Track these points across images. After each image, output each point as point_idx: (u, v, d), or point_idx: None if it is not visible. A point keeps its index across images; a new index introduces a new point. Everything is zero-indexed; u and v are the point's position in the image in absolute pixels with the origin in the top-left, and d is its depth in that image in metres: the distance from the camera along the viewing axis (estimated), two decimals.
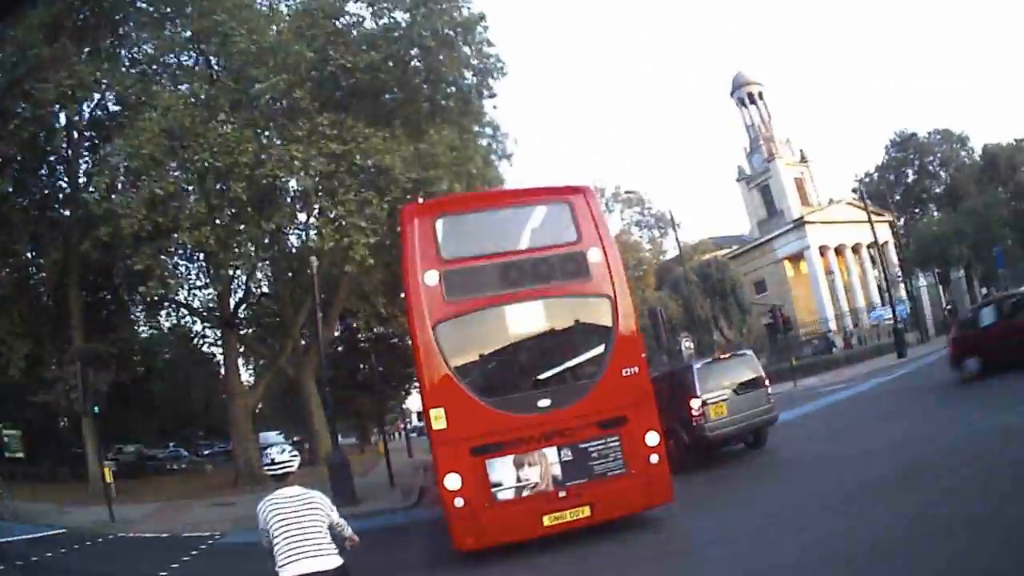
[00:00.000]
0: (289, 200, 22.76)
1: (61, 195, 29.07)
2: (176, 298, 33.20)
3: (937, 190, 77.65)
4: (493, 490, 10.09)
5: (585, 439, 10.30)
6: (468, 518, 9.88)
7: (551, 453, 10.29)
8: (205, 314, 34.49)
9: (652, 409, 10.85)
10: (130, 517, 20.14)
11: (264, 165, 20.16)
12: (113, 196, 21.15)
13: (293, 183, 21.84)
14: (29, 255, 29.01)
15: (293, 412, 42.25)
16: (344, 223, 20.41)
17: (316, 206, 22.49)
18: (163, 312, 36.86)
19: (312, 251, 21.87)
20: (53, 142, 25.96)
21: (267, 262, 29.19)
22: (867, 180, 75.16)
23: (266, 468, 5.56)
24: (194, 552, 14.29)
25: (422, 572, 11.13)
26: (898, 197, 73.61)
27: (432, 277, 10.40)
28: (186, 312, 36.38)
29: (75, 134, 27.59)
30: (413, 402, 60.81)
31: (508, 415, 10.23)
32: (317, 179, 20.94)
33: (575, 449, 10.28)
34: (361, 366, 44.62)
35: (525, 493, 10.21)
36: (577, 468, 10.22)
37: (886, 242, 62.39)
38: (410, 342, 12.40)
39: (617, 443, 10.45)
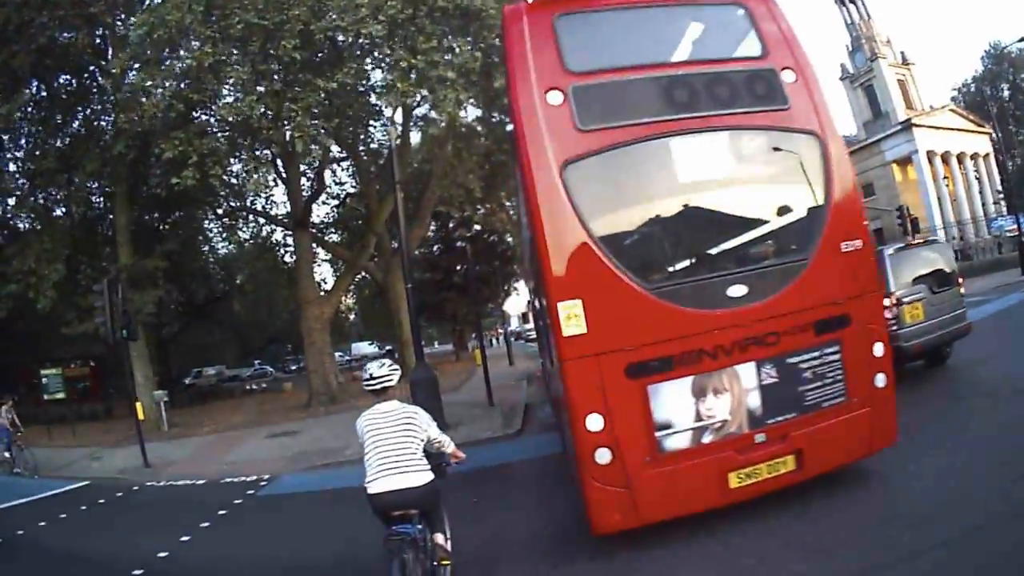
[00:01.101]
0: (356, 54, 18.06)
1: (94, 94, 24.99)
2: (241, 204, 30.38)
3: None
4: (658, 435, 6.17)
5: (794, 349, 6.38)
6: (616, 482, 6.06)
7: (747, 372, 6.29)
8: (282, 219, 31.04)
9: (879, 305, 7.37)
10: (170, 457, 17.06)
11: (322, 17, 16.06)
12: (133, 74, 17.46)
13: (359, 38, 17.15)
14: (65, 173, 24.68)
15: (385, 320, 38.95)
16: (426, 75, 16.07)
17: (388, 59, 17.46)
18: (234, 221, 33.89)
19: (379, 113, 17.86)
20: (78, 39, 21.41)
21: (336, 145, 25.16)
22: (964, 90, 70.71)
23: (363, 383, 5.42)
24: (222, 512, 10.81)
25: (540, 563, 6.60)
26: (995, 110, 65.68)
27: (555, 97, 6.40)
28: (262, 220, 33.39)
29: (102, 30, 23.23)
30: (513, 304, 57.91)
31: (684, 311, 6.20)
32: (389, 28, 16.38)
33: (781, 365, 6.35)
34: (457, 267, 41.63)
35: (707, 439, 6.27)
36: (782, 396, 6.35)
37: (987, 154, 61.64)
38: (520, 207, 8.62)
39: (837, 356, 6.51)
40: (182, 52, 16.53)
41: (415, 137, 29.70)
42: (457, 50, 16.25)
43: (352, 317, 66.68)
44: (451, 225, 42.12)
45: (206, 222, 35.12)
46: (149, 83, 16.96)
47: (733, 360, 6.23)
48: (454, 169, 23.61)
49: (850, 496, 6.67)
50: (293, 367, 58.31)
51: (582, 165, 6.24)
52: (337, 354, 68.90)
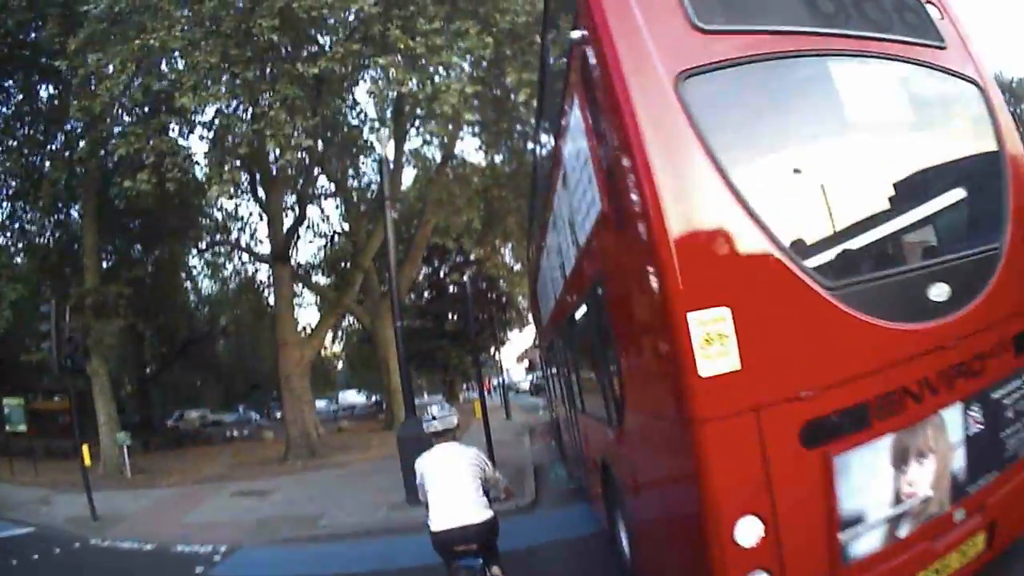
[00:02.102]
0: (342, 38, 15.43)
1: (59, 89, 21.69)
2: (223, 237, 27.96)
3: None
4: (842, 538, 3.56)
5: (998, 378, 4.12)
6: None
7: (953, 418, 3.89)
8: (264, 256, 28.18)
9: None
10: (124, 511, 14.17)
11: None
12: (89, 57, 14.71)
13: (350, 15, 14.60)
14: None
15: (374, 367, 36.24)
16: (428, 61, 13.49)
17: (383, 40, 14.31)
18: (216, 256, 31.39)
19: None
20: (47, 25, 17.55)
21: (319, 150, 21.86)
22: None
23: (425, 425, 5.54)
24: None
25: None
26: None
27: None
28: (245, 257, 30.80)
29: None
30: (508, 354, 55.02)
31: (879, 326, 3.69)
32: (384, 5, 13.96)
33: (986, 403, 4.05)
34: (449, 315, 39.00)
35: (903, 530, 3.73)
36: (985, 449, 4.05)
37: None
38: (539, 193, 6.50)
39: None
40: (146, 32, 13.78)
41: (408, 176, 27.78)
42: (464, 32, 13.61)
43: (340, 365, 63.70)
44: (443, 270, 39.86)
45: (190, 258, 32.99)
46: (104, 61, 14.31)
47: (939, 402, 3.81)
48: (452, 196, 21.03)
49: None
50: (277, 414, 55.09)
51: (708, 81, 3.71)
52: (323, 402, 66.28)
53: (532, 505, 11.17)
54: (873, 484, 3.62)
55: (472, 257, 34.53)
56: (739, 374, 3.38)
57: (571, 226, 5.84)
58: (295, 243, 27.81)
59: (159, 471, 20.86)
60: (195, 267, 34.79)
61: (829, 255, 3.90)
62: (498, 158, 21.14)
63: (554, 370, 12.45)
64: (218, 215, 27.17)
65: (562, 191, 6.09)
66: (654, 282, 3.58)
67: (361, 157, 23.94)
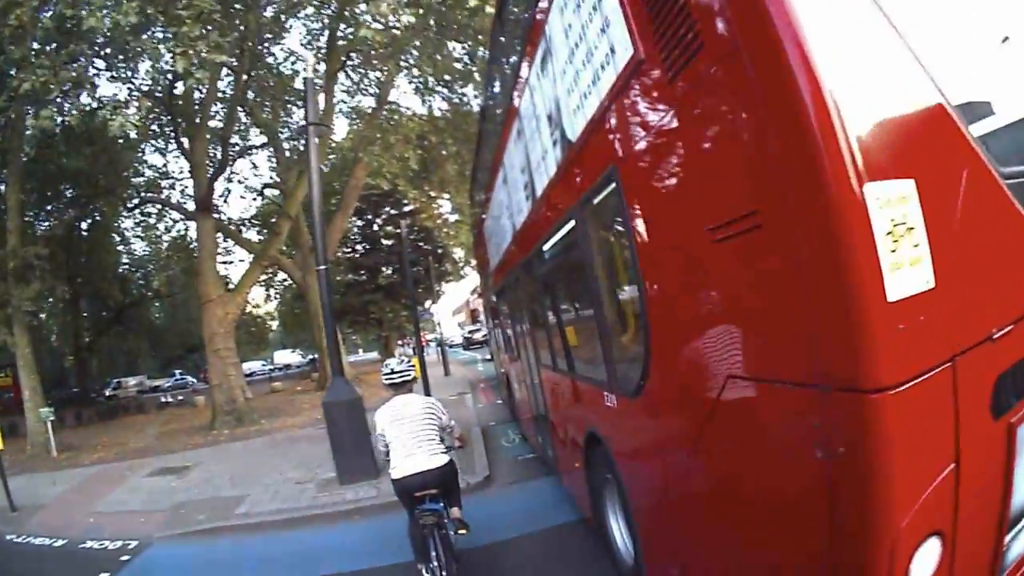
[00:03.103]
0: None
1: None
2: (149, 193, 25.44)
3: None
4: (1008, 539, 2.33)
5: None
6: None
7: None
8: (187, 208, 25.44)
9: None
10: (43, 498, 12.05)
11: None
12: None
13: None
14: None
15: (307, 326, 34.34)
16: None
17: None
18: (146, 216, 28.92)
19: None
20: None
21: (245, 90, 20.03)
22: None
23: (384, 377, 5.67)
24: None
25: None
26: None
27: None
28: (176, 216, 28.26)
29: None
30: (445, 307, 53.45)
31: None
32: None
33: None
34: (383, 268, 37.22)
35: None
36: None
37: None
38: None
39: None
40: None
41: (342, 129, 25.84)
42: None
43: (275, 325, 61.38)
44: (377, 223, 37.96)
45: (123, 221, 30.63)
46: None
47: None
48: (386, 137, 19.06)
49: None
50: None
51: None
52: (260, 363, 63.92)
53: (486, 482, 9.21)
54: None
55: (407, 208, 32.66)
56: (933, 297, 1.99)
57: (559, 111, 4.34)
58: (225, 198, 25.64)
59: (86, 447, 18.81)
60: (128, 229, 32.32)
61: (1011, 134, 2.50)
62: (438, 104, 19.43)
63: (508, 319, 10.81)
64: (148, 172, 24.94)
65: (545, 64, 4.52)
66: (786, 138, 2.05)
67: (293, 110, 22.00)
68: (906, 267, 1.91)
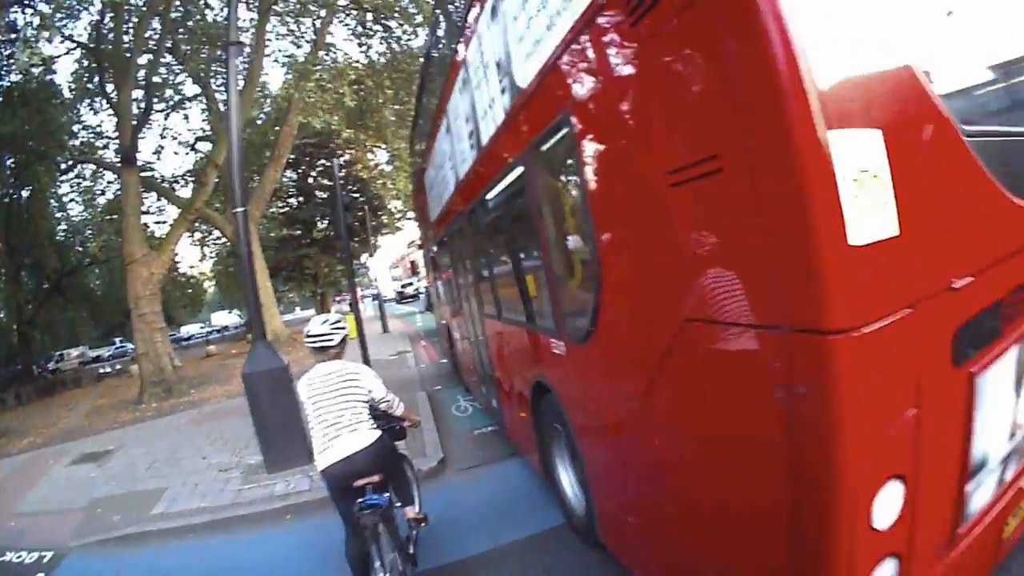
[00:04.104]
0: None
1: None
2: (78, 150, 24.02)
3: None
4: (969, 488, 2.43)
5: None
6: None
7: None
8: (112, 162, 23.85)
9: None
10: None
11: None
12: None
13: None
14: None
15: (242, 285, 33.35)
16: None
17: None
18: (71, 170, 27.32)
19: None
20: None
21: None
22: None
23: (305, 340, 4.42)
24: None
25: None
26: None
27: None
28: (109, 176, 26.59)
29: None
30: (380, 262, 52.66)
31: (1008, 197, 2.42)
32: None
33: None
34: (319, 220, 36.49)
35: (1011, 471, 2.67)
36: None
37: None
38: None
39: None
40: None
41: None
42: None
43: (212, 288, 59.57)
44: (312, 176, 37.17)
45: (60, 186, 29.51)
46: None
47: None
48: (321, 73, 18.29)
49: None
50: None
51: None
52: (198, 326, 62.33)
53: (441, 467, 7.55)
54: (998, 413, 2.50)
55: (343, 158, 31.93)
56: (896, 244, 2.03)
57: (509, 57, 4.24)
58: (159, 154, 24.59)
59: (18, 432, 17.48)
60: (66, 194, 30.99)
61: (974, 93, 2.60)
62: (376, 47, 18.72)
63: (450, 270, 10.53)
64: (83, 134, 23.71)
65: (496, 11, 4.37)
66: (754, 83, 2.01)
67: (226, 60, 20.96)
68: (869, 213, 1.94)
